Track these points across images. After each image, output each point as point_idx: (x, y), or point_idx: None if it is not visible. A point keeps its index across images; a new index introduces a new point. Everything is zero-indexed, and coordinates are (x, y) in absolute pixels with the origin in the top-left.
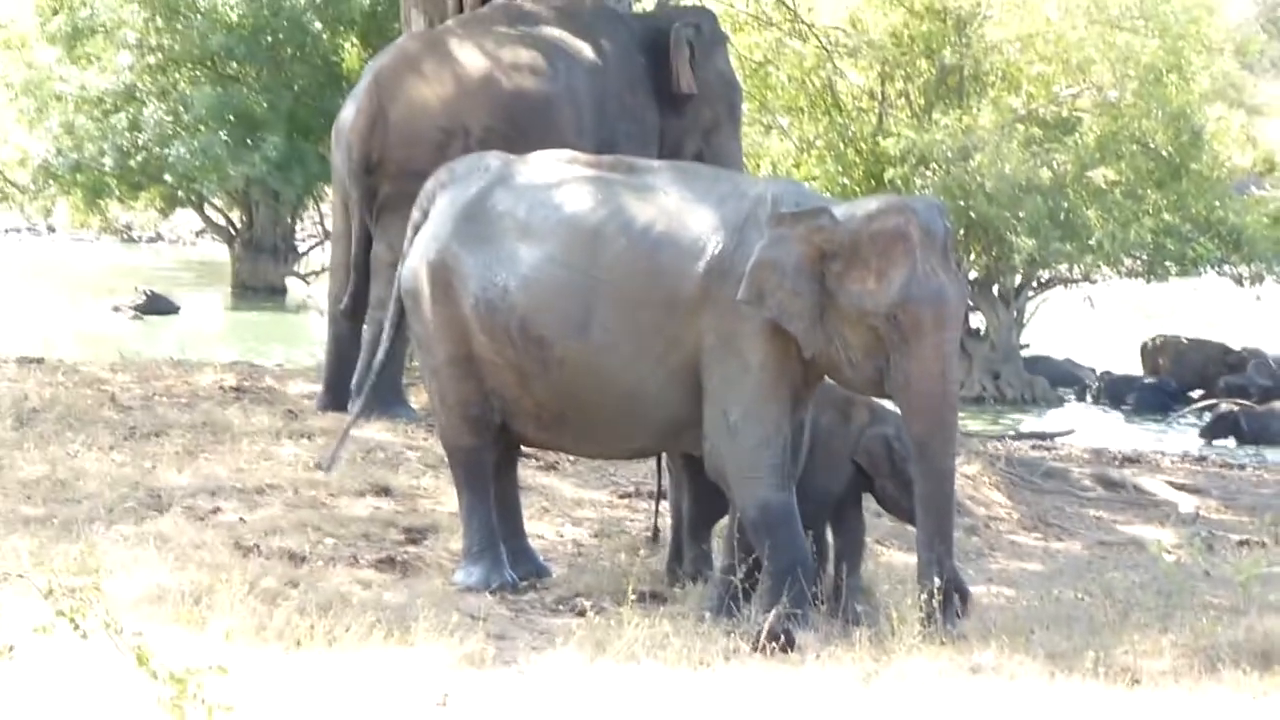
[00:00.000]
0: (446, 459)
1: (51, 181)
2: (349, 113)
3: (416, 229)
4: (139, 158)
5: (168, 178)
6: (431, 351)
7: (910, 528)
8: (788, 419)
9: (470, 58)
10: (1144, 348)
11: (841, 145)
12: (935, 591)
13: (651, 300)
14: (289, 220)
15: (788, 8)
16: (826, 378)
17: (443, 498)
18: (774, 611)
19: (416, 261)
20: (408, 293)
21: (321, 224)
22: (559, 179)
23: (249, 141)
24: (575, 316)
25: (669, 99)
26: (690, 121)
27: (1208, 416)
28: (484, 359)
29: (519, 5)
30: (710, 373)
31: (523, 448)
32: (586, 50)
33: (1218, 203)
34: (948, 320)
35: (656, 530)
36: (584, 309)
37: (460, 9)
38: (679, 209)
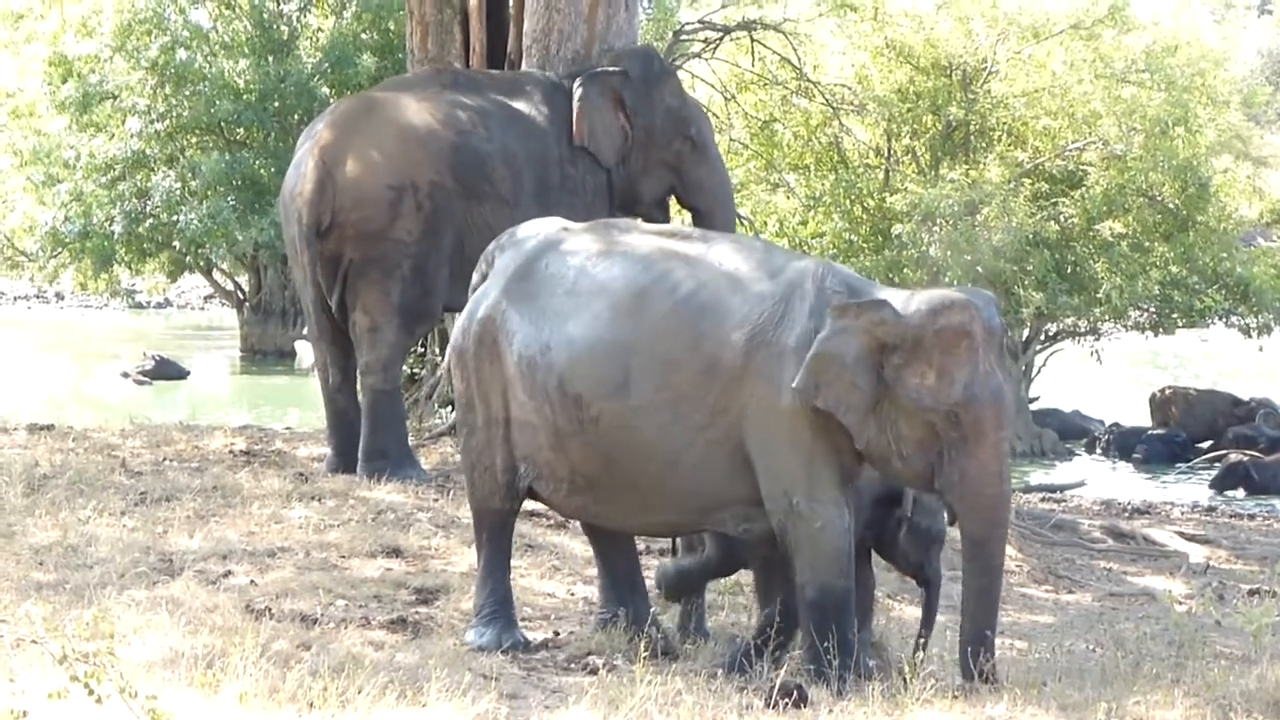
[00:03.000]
0: (472, 517)
1: (60, 248)
2: (293, 181)
3: (474, 290)
4: (147, 224)
5: (176, 244)
6: (472, 410)
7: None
8: (848, 497)
9: (408, 115)
10: (1153, 399)
11: (848, 202)
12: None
13: (691, 365)
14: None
15: (793, 66)
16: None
17: (453, 558)
18: (786, 668)
19: (466, 321)
20: (455, 349)
21: None
22: (611, 243)
23: (257, 206)
24: (613, 376)
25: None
26: (638, 167)
27: (1217, 467)
28: (522, 421)
29: (454, 71)
30: (762, 450)
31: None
32: (523, 116)
33: (1225, 254)
34: (1005, 419)
35: (675, 546)
36: (623, 369)
37: (466, 67)
38: (726, 278)
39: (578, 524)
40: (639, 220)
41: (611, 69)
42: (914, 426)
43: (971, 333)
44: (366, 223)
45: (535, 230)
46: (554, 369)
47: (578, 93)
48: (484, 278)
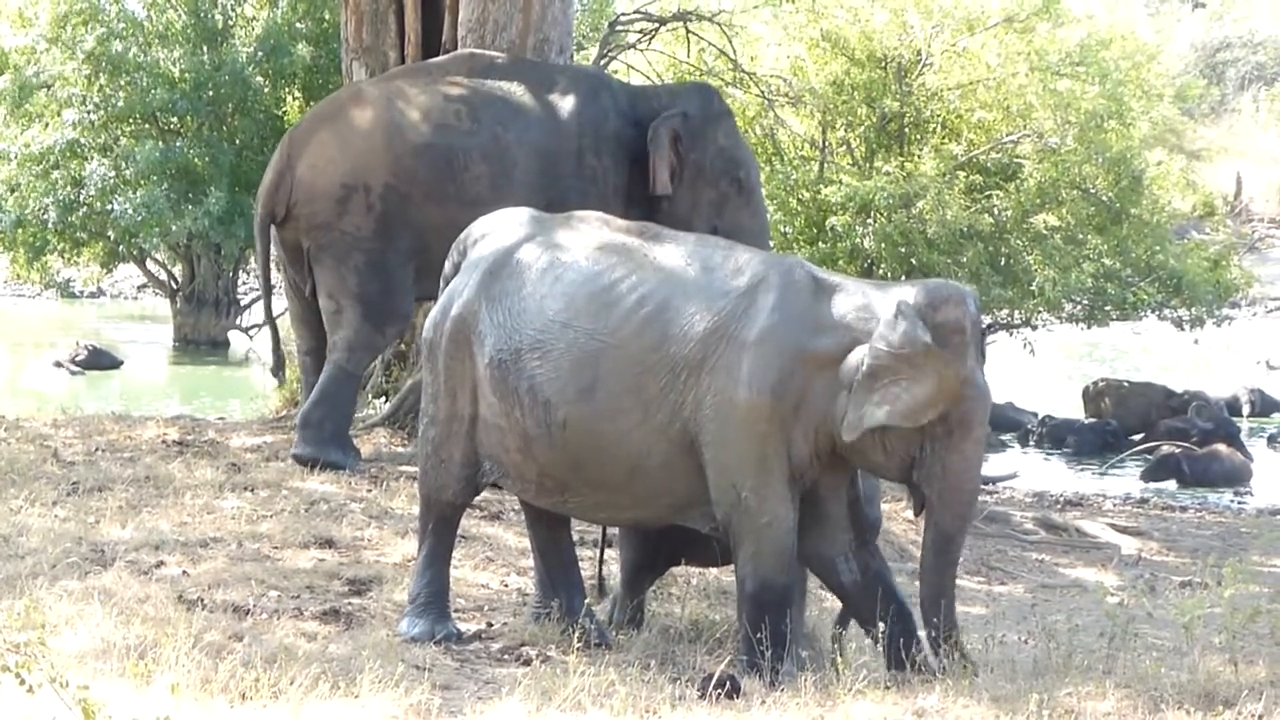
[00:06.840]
0: (419, 506)
1: None
2: (268, 169)
3: (447, 281)
4: (81, 213)
5: (110, 233)
6: (437, 402)
7: None
8: (794, 495)
9: (385, 112)
10: (1086, 392)
11: (784, 194)
12: (940, 642)
13: (655, 365)
14: (231, 274)
15: (729, 57)
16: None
17: (386, 549)
18: (727, 661)
19: (439, 314)
20: (426, 341)
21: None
22: (581, 242)
23: (191, 196)
24: (581, 380)
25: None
26: (686, 206)
27: (1149, 459)
28: (490, 422)
29: (483, 56)
30: (714, 441)
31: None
32: (541, 105)
33: (1158, 247)
34: (988, 415)
35: (602, 580)
36: (591, 373)
37: (401, 61)
38: (691, 276)
39: (511, 515)
40: (610, 216)
41: (672, 112)
42: None
43: (964, 327)
44: (315, 215)
45: (506, 223)
46: (524, 373)
47: (652, 143)
48: (456, 268)
